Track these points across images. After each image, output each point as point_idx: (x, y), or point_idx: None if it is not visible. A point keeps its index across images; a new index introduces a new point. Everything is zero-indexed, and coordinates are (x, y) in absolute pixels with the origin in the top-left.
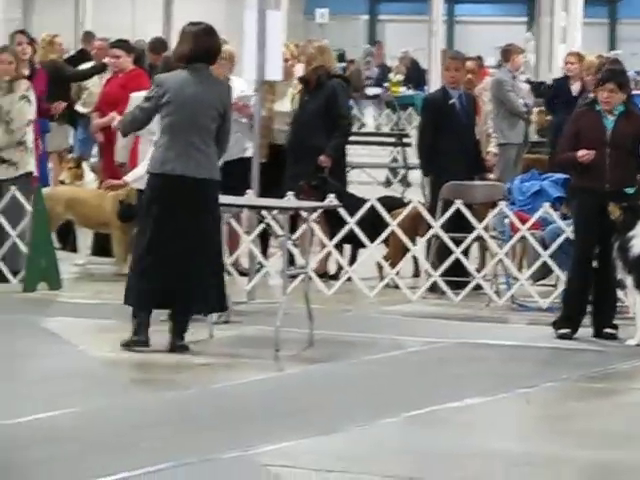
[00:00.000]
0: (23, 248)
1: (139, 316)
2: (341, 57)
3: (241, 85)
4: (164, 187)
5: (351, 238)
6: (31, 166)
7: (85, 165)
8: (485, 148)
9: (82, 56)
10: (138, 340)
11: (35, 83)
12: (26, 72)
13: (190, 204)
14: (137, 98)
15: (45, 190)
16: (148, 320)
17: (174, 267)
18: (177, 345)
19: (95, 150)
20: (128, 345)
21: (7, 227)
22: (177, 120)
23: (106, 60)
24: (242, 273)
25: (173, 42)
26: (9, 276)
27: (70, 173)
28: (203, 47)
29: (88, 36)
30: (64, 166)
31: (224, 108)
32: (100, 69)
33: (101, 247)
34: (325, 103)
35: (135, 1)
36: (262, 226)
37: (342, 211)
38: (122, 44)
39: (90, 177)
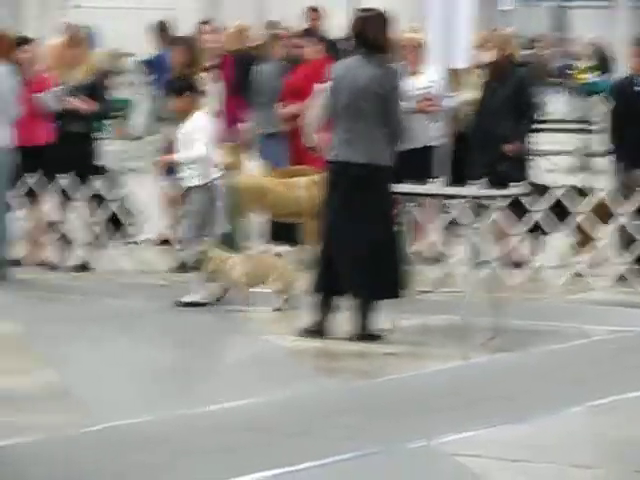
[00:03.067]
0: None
1: (321, 304)
2: (526, 44)
3: (431, 76)
4: (332, 173)
5: (536, 227)
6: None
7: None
8: None
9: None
10: (319, 328)
11: (223, 71)
12: (213, 61)
13: (356, 190)
14: (320, 90)
15: (231, 180)
16: (330, 308)
17: (351, 255)
18: (361, 333)
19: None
20: (309, 333)
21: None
22: (339, 106)
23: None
24: (428, 262)
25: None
26: None
27: (232, 160)
28: (370, 33)
29: (272, 25)
30: (227, 153)
31: (386, 92)
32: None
33: (279, 234)
34: (513, 91)
35: None
36: (447, 215)
37: (527, 199)
38: (308, 33)
39: (251, 165)
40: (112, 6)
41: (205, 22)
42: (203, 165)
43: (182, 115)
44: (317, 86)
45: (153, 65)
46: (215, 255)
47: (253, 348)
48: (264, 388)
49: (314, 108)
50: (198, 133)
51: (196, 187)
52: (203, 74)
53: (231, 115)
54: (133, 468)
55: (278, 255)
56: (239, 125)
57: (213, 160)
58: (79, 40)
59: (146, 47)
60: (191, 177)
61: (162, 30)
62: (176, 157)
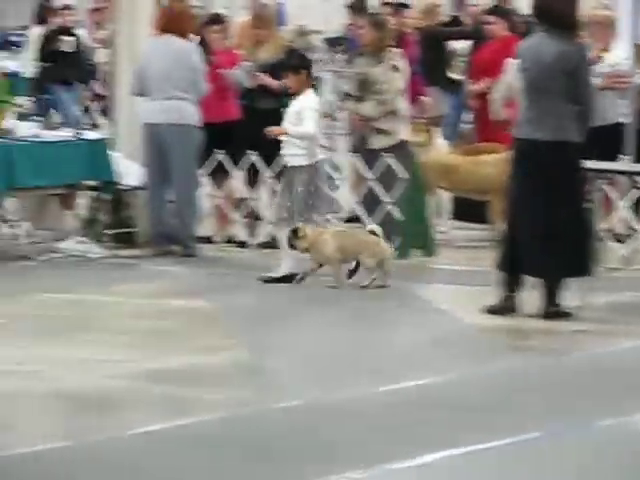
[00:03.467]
0: (398, 215)
1: (507, 282)
2: None
3: (620, 53)
4: (519, 151)
5: None
6: (404, 134)
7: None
8: None
9: (455, 23)
10: (506, 306)
11: (405, 50)
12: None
13: (544, 168)
14: (509, 66)
15: (421, 158)
16: (517, 286)
17: (538, 233)
18: (549, 311)
19: (466, 117)
20: (496, 311)
21: (382, 194)
22: (526, 84)
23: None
24: (618, 239)
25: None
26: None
27: (422, 137)
28: (556, 10)
29: (460, 2)
30: (416, 130)
31: (574, 68)
32: (472, 34)
33: (464, 211)
34: None
35: None
36: (637, 191)
37: None
38: (497, 10)
39: (439, 141)
40: None
41: (387, 3)
42: (309, 144)
43: (296, 92)
44: (507, 62)
45: (340, 42)
46: (308, 232)
47: (437, 325)
48: (454, 365)
49: (503, 84)
50: (308, 111)
51: (300, 167)
52: (394, 50)
53: (414, 92)
54: (325, 444)
55: (372, 232)
56: (423, 102)
57: (319, 140)
58: (266, 18)
59: (332, 24)
60: (295, 155)
61: (356, 7)
62: (287, 130)
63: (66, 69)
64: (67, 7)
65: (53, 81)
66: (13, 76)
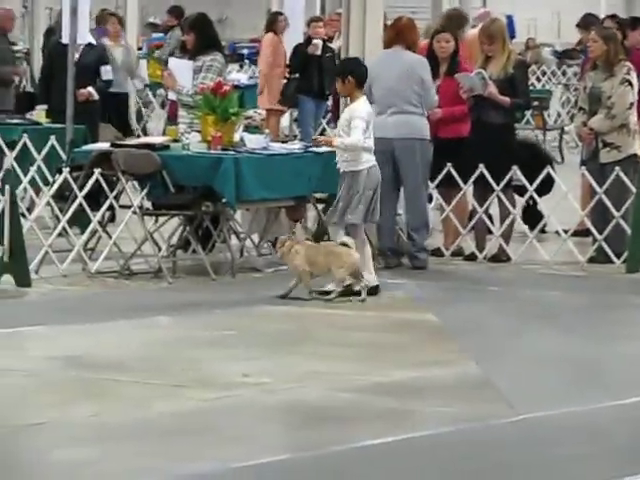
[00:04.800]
0: (627, 229)
1: None
2: None
3: None
4: None
5: None
6: (634, 148)
7: None
8: None
9: None
10: None
11: (634, 64)
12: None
13: None
14: None
15: None
16: None
17: None
18: None
19: None
20: None
21: (611, 208)
22: None
23: None
24: None
25: None
26: (613, 257)
27: None
28: None
29: None
30: None
31: None
32: None
33: None
34: None
35: None
36: None
37: None
38: None
39: None
40: None
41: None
42: (356, 153)
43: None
44: None
45: (571, 56)
46: (285, 243)
47: None
48: None
49: None
50: (356, 120)
51: (347, 172)
52: (626, 64)
53: None
54: (554, 459)
55: (343, 244)
56: None
57: (370, 147)
58: (495, 33)
59: (561, 37)
60: (344, 162)
61: (586, 23)
62: (334, 142)
63: (315, 80)
64: (317, 19)
65: (302, 92)
66: (243, 88)
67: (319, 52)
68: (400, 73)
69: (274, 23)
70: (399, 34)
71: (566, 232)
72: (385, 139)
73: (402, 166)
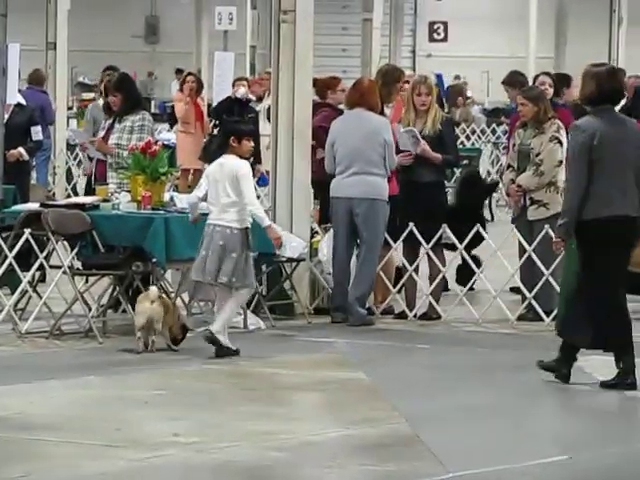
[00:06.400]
0: (556, 286)
1: None
2: None
3: None
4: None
5: None
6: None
7: None
8: None
9: None
10: None
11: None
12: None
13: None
14: None
15: None
16: None
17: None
18: None
19: None
20: None
21: (540, 265)
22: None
23: None
24: None
25: None
26: (543, 315)
27: None
28: (607, 88)
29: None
30: None
31: None
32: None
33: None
34: None
35: None
36: None
37: None
38: None
39: None
40: (459, 55)
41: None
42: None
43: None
44: None
45: (501, 114)
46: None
47: None
48: None
49: None
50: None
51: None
52: (556, 122)
53: None
54: None
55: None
56: None
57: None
58: (432, 85)
59: (491, 95)
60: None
61: (512, 82)
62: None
63: None
64: (240, 79)
65: None
66: (172, 147)
67: (245, 96)
68: (365, 134)
69: (183, 83)
70: (362, 96)
71: (496, 290)
72: (344, 198)
73: (360, 225)
